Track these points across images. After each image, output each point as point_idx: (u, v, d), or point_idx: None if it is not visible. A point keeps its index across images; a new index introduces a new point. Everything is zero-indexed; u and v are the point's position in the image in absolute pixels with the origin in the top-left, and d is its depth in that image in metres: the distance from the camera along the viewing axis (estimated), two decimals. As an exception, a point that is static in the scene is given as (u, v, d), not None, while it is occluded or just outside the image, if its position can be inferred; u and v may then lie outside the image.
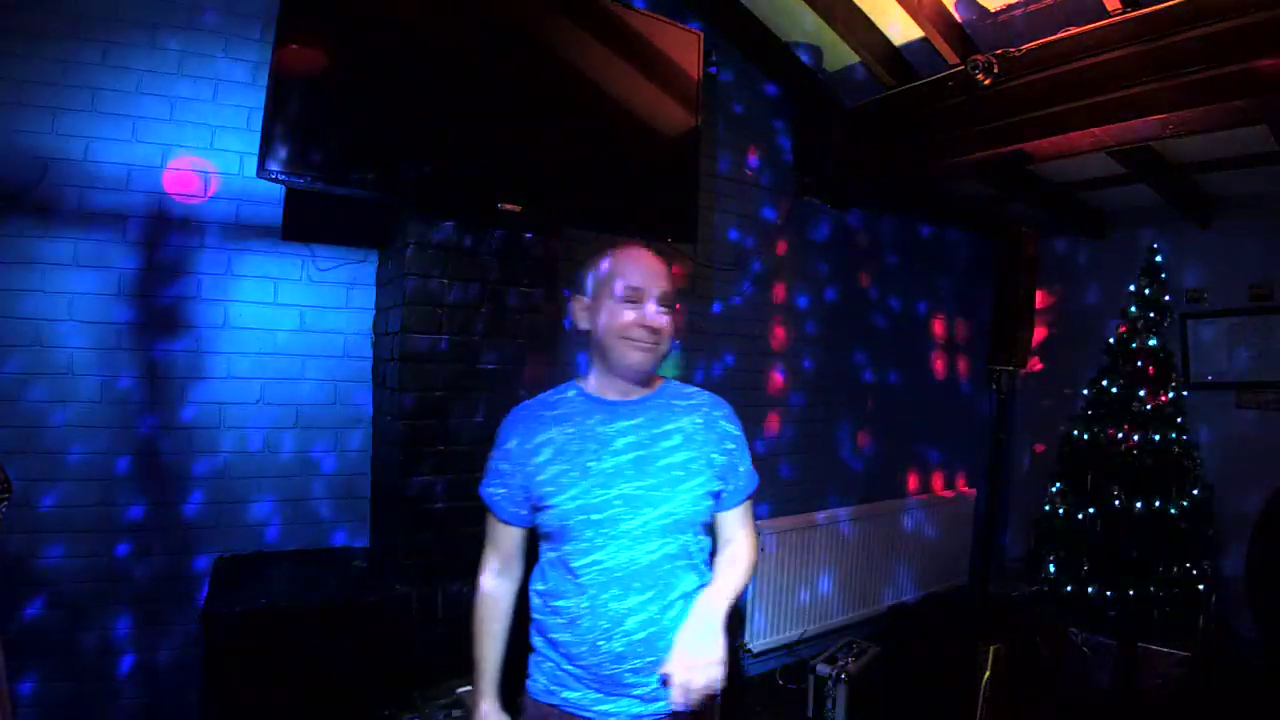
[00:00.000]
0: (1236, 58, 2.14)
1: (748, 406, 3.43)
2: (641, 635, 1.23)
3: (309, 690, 1.89)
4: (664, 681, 1.13)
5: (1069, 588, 3.53)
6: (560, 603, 1.27)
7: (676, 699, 1.09)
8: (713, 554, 1.36)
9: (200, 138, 2.22)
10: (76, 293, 2.08)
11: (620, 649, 1.23)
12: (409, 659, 2.02)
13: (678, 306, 1.33)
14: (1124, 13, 2.33)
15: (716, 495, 1.33)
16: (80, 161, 2.08)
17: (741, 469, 1.36)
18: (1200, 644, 3.31)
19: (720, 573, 1.31)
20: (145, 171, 2.15)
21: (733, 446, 1.35)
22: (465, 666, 2.14)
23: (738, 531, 1.37)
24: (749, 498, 1.38)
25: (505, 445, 1.34)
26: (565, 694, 1.28)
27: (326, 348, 2.41)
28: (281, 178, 1.93)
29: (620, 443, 1.29)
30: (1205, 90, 2.26)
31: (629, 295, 1.28)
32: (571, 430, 1.30)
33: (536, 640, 1.36)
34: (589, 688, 1.26)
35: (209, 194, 2.24)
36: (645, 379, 1.33)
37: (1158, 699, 3.23)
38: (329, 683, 1.91)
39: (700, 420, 1.34)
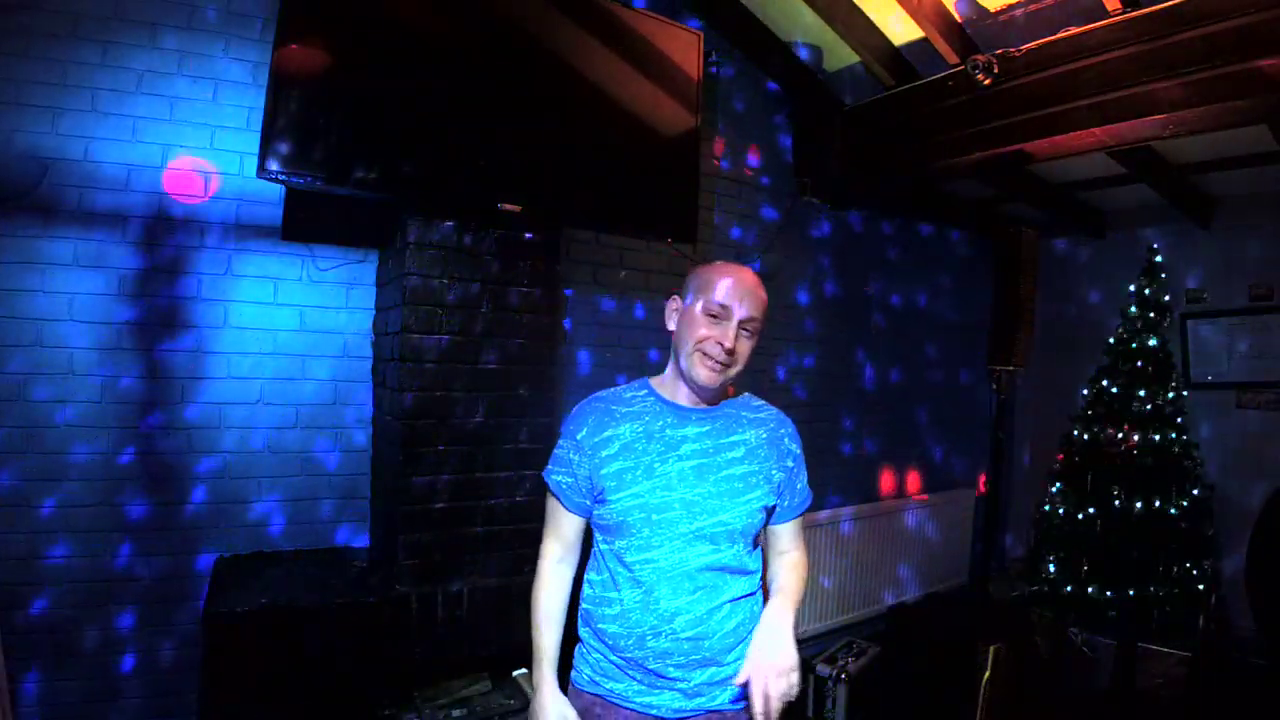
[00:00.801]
0: (1236, 58, 2.14)
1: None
2: (689, 634, 1.27)
3: (309, 690, 1.89)
4: (743, 691, 1.17)
5: (1069, 588, 3.53)
6: (613, 594, 1.32)
7: (757, 707, 1.14)
8: (763, 567, 1.41)
9: (200, 137, 2.22)
10: (77, 293, 2.08)
11: (667, 645, 1.27)
12: (409, 659, 2.02)
13: (758, 332, 1.36)
14: (1124, 13, 2.33)
15: (771, 510, 1.37)
16: (80, 161, 2.08)
17: (799, 486, 1.42)
18: (1200, 644, 3.31)
19: (782, 583, 1.37)
20: (145, 171, 2.15)
21: (792, 465, 1.41)
22: (466, 667, 2.16)
23: (790, 546, 1.42)
24: (802, 514, 1.44)
25: (575, 435, 1.37)
26: (610, 685, 1.32)
27: (326, 348, 2.41)
28: (281, 178, 1.93)
29: (686, 448, 1.32)
30: (1205, 90, 2.26)
31: (714, 311, 1.30)
32: (640, 429, 1.34)
33: (584, 631, 1.39)
34: (633, 679, 1.30)
35: (209, 194, 2.24)
36: (709, 395, 1.36)
37: (1158, 699, 3.23)
38: (329, 683, 1.91)
39: (765, 435, 1.39)
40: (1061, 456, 3.82)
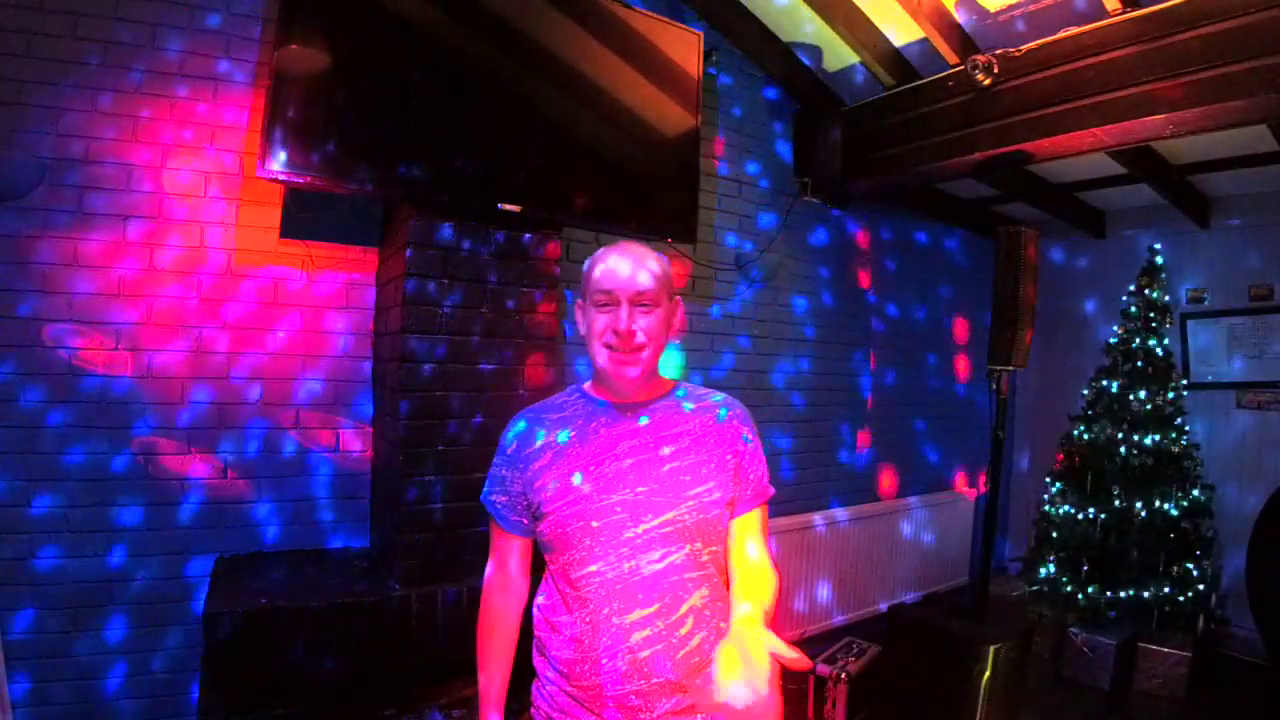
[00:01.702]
0: (1236, 58, 2.14)
1: (747, 406, 3.43)
2: (646, 653, 1.14)
3: (309, 690, 1.89)
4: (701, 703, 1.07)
5: (1069, 588, 3.53)
6: (561, 618, 1.21)
7: None
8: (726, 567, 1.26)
9: (201, 137, 2.22)
10: (77, 293, 2.08)
11: (624, 667, 1.14)
12: (409, 659, 2.02)
13: (668, 301, 1.24)
14: (1124, 13, 2.34)
15: (727, 502, 1.22)
16: (80, 161, 2.08)
17: (753, 474, 1.26)
18: (1200, 644, 3.31)
19: (747, 587, 1.14)
20: (145, 171, 2.15)
21: (744, 449, 1.25)
22: (465, 667, 2.15)
23: (750, 540, 1.23)
24: (761, 504, 1.27)
25: (506, 450, 1.28)
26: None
27: (326, 348, 2.41)
28: (282, 177, 1.94)
29: (622, 446, 1.21)
30: (1205, 90, 2.26)
31: (600, 300, 1.21)
32: (573, 434, 1.23)
33: (538, 663, 1.28)
34: (593, 712, 1.17)
35: (209, 194, 2.24)
36: (632, 387, 1.23)
37: (1158, 699, 3.23)
38: (329, 683, 1.91)
39: (710, 422, 1.25)
40: (1061, 456, 3.83)
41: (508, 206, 2.21)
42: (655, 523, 1.17)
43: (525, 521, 1.26)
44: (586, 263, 1.28)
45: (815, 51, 3.28)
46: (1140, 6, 2.30)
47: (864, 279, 4.01)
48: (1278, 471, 3.68)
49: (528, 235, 2.31)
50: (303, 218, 2.34)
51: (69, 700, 2.06)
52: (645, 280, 1.20)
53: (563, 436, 1.24)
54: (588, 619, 1.17)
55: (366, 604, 1.97)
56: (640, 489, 1.18)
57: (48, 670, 2.04)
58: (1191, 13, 2.19)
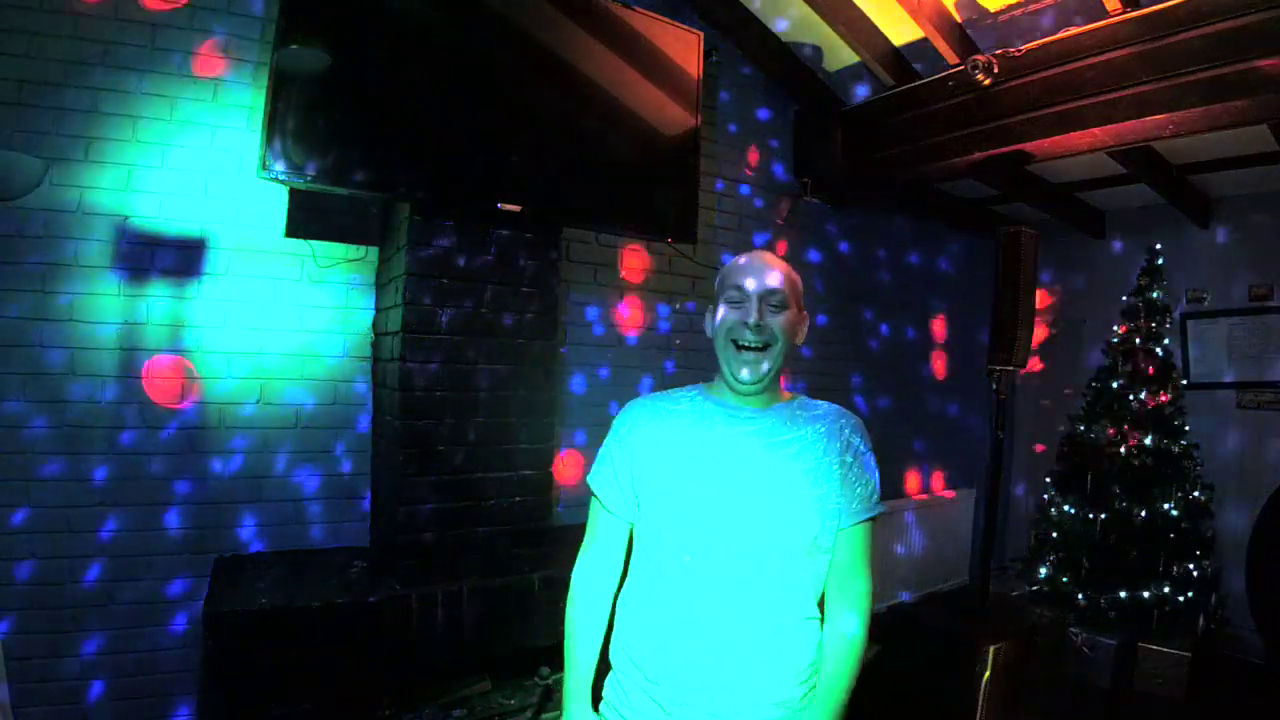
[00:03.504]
0: (1236, 58, 2.14)
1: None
2: (730, 657, 1.14)
3: (309, 690, 1.89)
4: None
5: (1069, 588, 3.53)
6: (648, 612, 1.21)
7: None
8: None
9: (201, 137, 2.22)
10: (77, 293, 2.08)
11: (707, 669, 1.14)
12: (409, 659, 2.02)
13: (798, 310, 1.26)
14: (1124, 13, 2.33)
15: (831, 512, 1.20)
16: (81, 162, 2.08)
17: (860, 486, 1.23)
18: (1200, 644, 3.31)
19: (824, 670, 1.20)
20: (145, 171, 2.15)
21: (852, 460, 1.23)
22: (466, 668, 2.16)
23: (851, 565, 1.22)
24: (867, 520, 1.24)
25: (620, 433, 1.30)
26: (640, 717, 1.20)
27: (326, 348, 2.41)
28: (282, 178, 1.94)
29: (734, 449, 1.21)
30: (1205, 90, 2.26)
31: (733, 298, 1.23)
32: (687, 430, 1.24)
33: (617, 657, 1.27)
34: (668, 712, 1.16)
35: (209, 194, 2.23)
36: (759, 388, 1.23)
37: (1158, 699, 3.23)
38: (329, 683, 1.91)
39: (823, 430, 1.24)
40: (1061, 456, 3.82)
41: (508, 206, 2.21)
42: (756, 528, 1.17)
43: (629, 505, 1.28)
44: (720, 272, 1.31)
45: (815, 51, 3.27)
46: (1140, 6, 2.30)
47: (863, 280, 4.01)
48: (1278, 471, 3.68)
49: (528, 235, 2.31)
50: (304, 217, 2.35)
51: (75, 698, 2.06)
52: (777, 280, 1.23)
53: (678, 430, 1.25)
54: (675, 615, 1.17)
55: (367, 604, 1.97)
56: (746, 493, 1.18)
57: (51, 668, 2.04)
58: (1191, 13, 2.18)
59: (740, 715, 1.14)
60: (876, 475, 1.27)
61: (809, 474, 1.20)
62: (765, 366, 1.21)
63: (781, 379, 1.30)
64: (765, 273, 1.23)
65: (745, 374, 1.21)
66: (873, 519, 1.26)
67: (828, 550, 1.21)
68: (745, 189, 3.44)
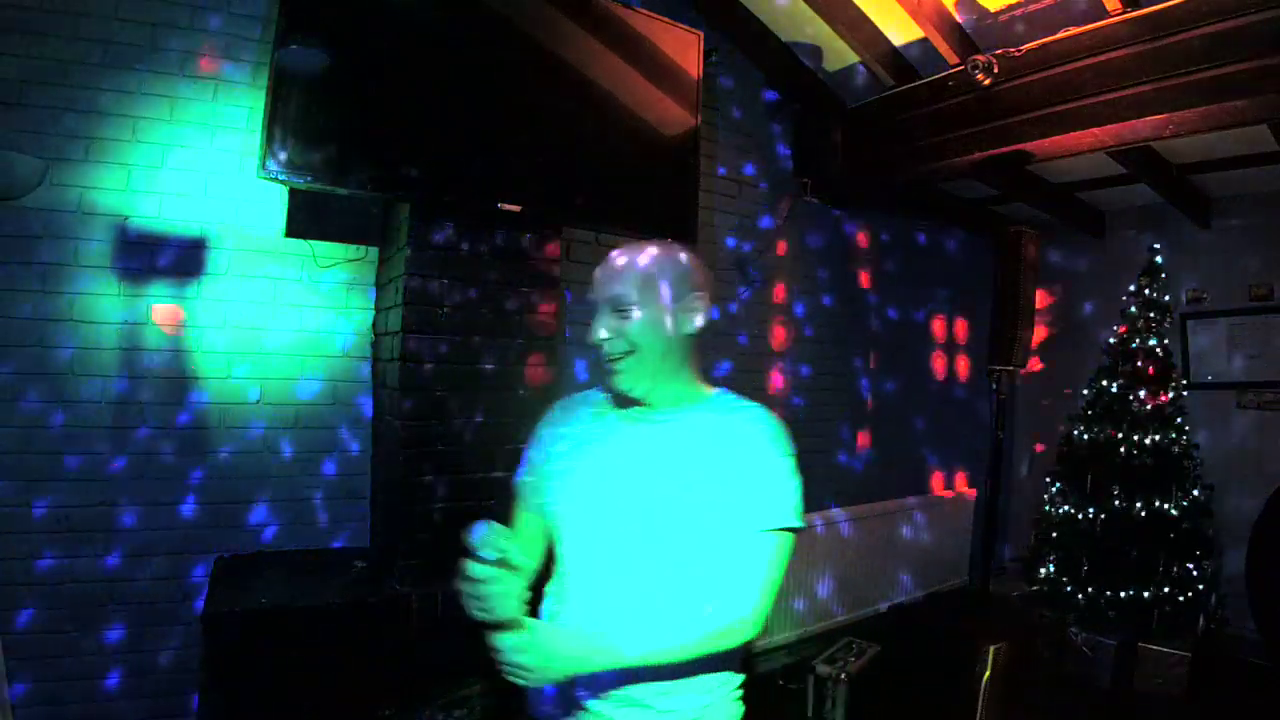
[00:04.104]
0: (1236, 58, 2.14)
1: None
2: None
3: (309, 690, 1.89)
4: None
5: (1069, 588, 3.53)
6: (551, 609, 1.21)
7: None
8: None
9: (201, 138, 2.22)
10: (76, 293, 2.08)
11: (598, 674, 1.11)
12: (409, 659, 2.02)
13: (665, 303, 1.15)
14: (1124, 13, 2.33)
15: (725, 518, 1.12)
16: (81, 162, 2.08)
17: (762, 494, 1.11)
18: (1200, 644, 3.31)
19: (666, 627, 1.08)
20: (146, 172, 2.15)
21: (757, 466, 1.13)
22: (466, 668, 2.15)
23: (743, 575, 1.10)
24: (769, 530, 1.11)
25: (538, 433, 1.30)
26: (538, 714, 1.23)
27: (326, 348, 2.41)
28: (281, 177, 1.94)
29: (632, 450, 1.17)
30: (1205, 90, 2.26)
31: (594, 310, 1.18)
32: (590, 429, 1.23)
33: None
34: (559, 709, 1.18)
35: (209, 194, 2.23)
36: (637, 395, 1.17)
37: (1158, 699, 3.23)
38: (329, 683, 1.91)
39: (730, 434, 1.15)
40: (1061, 456, 3.82)
41: (508, 206, 2.21)
42: (646, 530, 1.13)
43: (542, 504, 1.25)
44: None
45: (815, 51, 3.27)
46: (1140, 6, 2.30)
47: (864, 279, 4.01)
48: (1278, 471, 3.67)
49: (528, 235, 2.31)
50: (304, 217, 2.35)
51: (75, 698, 2.06)
52: (619, 284, 1.15)
53: (580, 432, 1.24)
54: (572, 616, 1.17)
55: (367, 604, 1.97)
56: (637, 495, 1.14)
57: (50, 668, 2.04)
58: (1191, 13, 2.18)
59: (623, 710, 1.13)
60: (789, 486, 1.14)
61: (700, 477, 1.12)
62: (628, 375, 1.15)
63: (691, 378, 1.21)
64: (609, 279, 1.16)
65: (613, 383, 1.17)
66: (779, 531, 1.12)
67: (726, 556, 1.12)
68: (744, 189, 3.44)
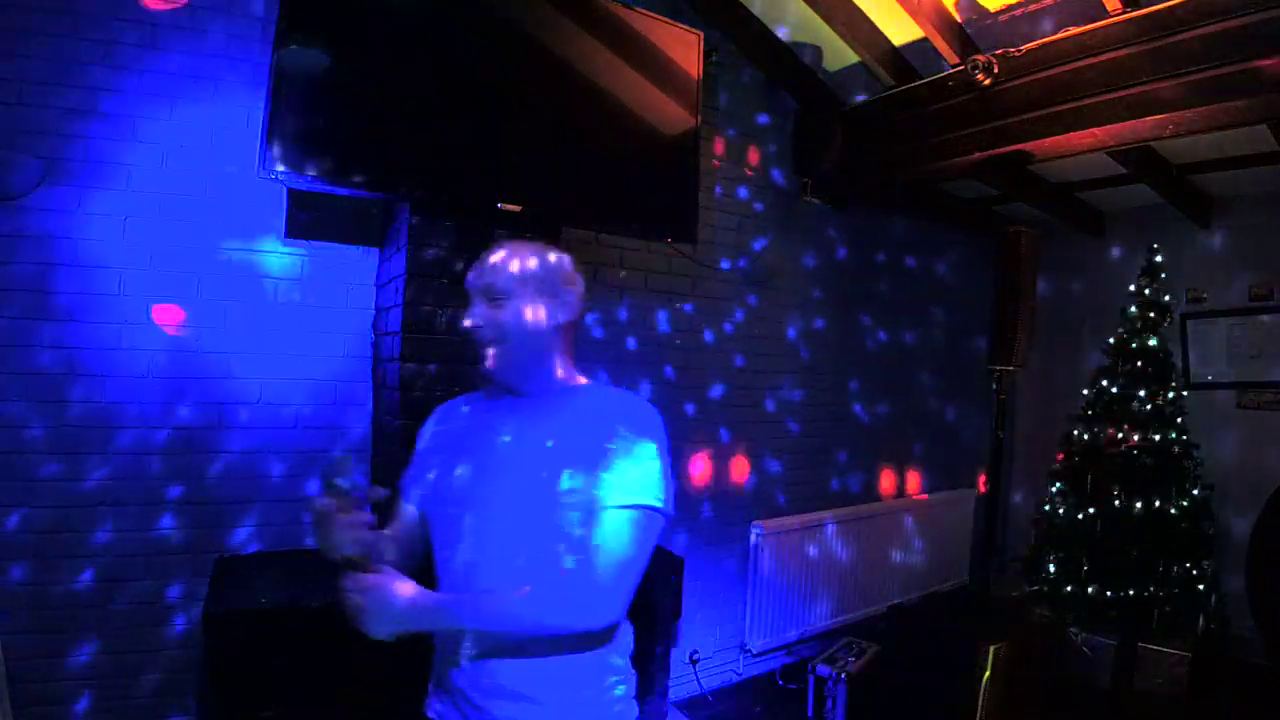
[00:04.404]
0: (1237, 58, 2.14)
1: (746, 407, 3.44)
2: (475, 652, 1.12)
3: (310, 690, 1.89)
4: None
5: (1069, 588, 3.53)
6: None
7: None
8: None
9: (201, 138, 2.22)
10: (76, 293, 2.08)
11: (463, 662, 1.13)
12: (410, 659, 2.02)
13: (539, 296, 1.20)
14: (1124, 12, 2.33)
15: (587, 500, 1.09)
16: (81, 162, 2.08)
17: (618, 473, 1.09)
18: (1200, 644, 3.31)
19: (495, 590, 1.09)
20: (146, 172, 2.15)
21: (615, 447, 1.10)
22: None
23: (592, 545, 1.07)
24: (622, 509, 1.08)
25: (420, 431, 1.35)
26: (430, 713, 1.24)
27: (326, 348, 2.41)
28: (281, 178, 1.94)
29: (497, 440, 1.19)
30: (1205, 90, 2.26)
31: (469, 297, 1.22)
32: (461, 424, 1.28)
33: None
34: (447, 705, 1.19)
35: (209, 194, 2.23)
36: (507, 381, 1.22)
37: (1158, 699, 3.23)
38: (330, 683, 1.91)
39: (592, 420, 1.14)
40: (1061, 456, 3.82)
41: (508, 206, 2.21)
42: (504, 517, 1.13)
43: (417, 500, 1.29)
44: None
45: (815, 51, 3.27)
46: (1140, 6, 2.30)
47: (864, 280, 4.01)
48: (1278, 471, 3.67)
49: (528, 235, 2.30)
50: (304, 217, 2.35)
51: (76, 698, 2.07)
52: (491, 275, 1.20)
53: (454, 425, 1.30)
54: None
55: (366, 604, 1.97)
56: (499, 483, 1.15)
57: (51, 668, 2.04)
58: (1191, 13, 2.18)
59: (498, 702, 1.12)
60: (650, 467, 1.11)
61: (562, 464, 1.11)
62: (494, 361, 1.19)
63: (561, 368, 1.25)
64: (485, 271, 1.21)
65: (483, 369, 1.21)
66: (632, 510, 1.08)
67: (581, 535, 1.10)
68: (745, 189, 3.44)
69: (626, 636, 1.23)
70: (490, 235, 2.23)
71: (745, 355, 3.43)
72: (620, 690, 1.19)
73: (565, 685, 1.12)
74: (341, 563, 1.10)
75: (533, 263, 1.22)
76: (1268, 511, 3.56)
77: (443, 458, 1.25)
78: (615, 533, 1.08)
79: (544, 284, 1.22)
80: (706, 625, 3.31)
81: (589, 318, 2.92)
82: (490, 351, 1.20)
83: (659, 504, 1.11)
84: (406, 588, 1.08)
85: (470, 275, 1.22)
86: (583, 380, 1.28)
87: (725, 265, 3.34)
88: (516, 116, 2.27)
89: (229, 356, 2.27)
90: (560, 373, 1.25)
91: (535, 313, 1.21)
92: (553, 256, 1.25)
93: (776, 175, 3.56)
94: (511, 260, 1.21)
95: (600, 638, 1.14)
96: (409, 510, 1.30)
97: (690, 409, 3.23)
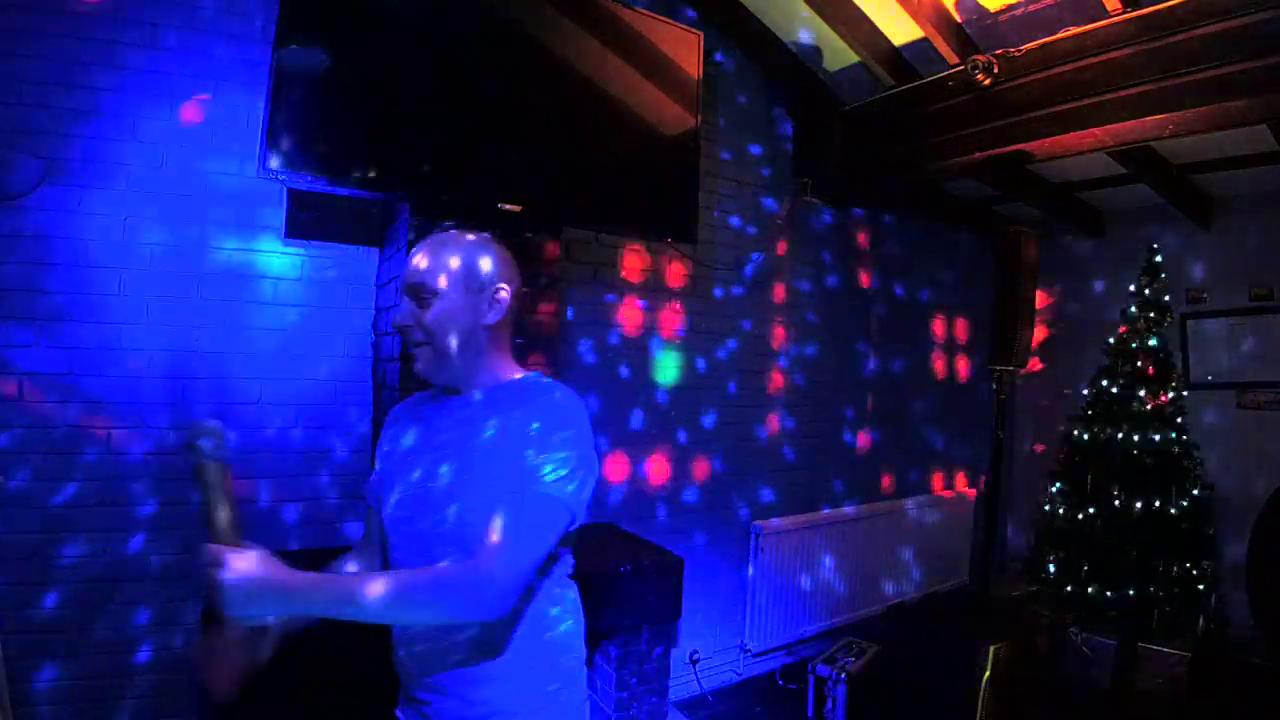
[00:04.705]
0: (1236, 58, 2.14)
1: (746, 407, 3.44)
2: (420, 648, 1.13)
3: (311, 691, 1.89)
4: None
5: (1069, 588, 3.53)
6: None
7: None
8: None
9: (201, 138, 2.22)
10: (76, 293, 2.08)
11: (409, 660, 1.15)
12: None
13: (470, 292, 1.16)
14: (1124, 12, 2.34)
15: (499, 489, 1.07)
16: (81, 162, 2.08)
17: (528, 460, 1.06)
18: (1200, 644, 3.31)
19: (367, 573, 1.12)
20: (146, 172, 2.15)
21: (532, 434, 1.08)
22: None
23: (491, 524, 1.02)
24: (522, 495, 1.05)
25: (379, 435, 1.35)
26: (398, 709, 1.26)
27: (326, 348, 2.41)
28: (282, 177, 1.94)
29: (439, 439, 1.18)
30: (1205, 90, 2.26)
31: (400, 295, 1.20)
32: (412, 425, 1.26)
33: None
34: (407, 701, 1.21)
35: (209, 194, 2.23)
36: (440, 381, 1.20)
37: (1158, 699, 3.23)
38: (331, 682, 1.91)
39: (515, 414, 1.11)
40: (1062, 456, 3.83)
41: (508, 206, 2.21)
42: (442, 517, 1.12)
43: (375, 502, 1.28)
44: None
45: (815, 51, 3.28)
46: (1140, 6, 2.30)
47: (864, 279, 4.01)
48: (1278, 471, 3.68)
49: (527, 235, 2.31)
50: (304, 217, 2.35)
51: (77, 698, 2.06)
52: (418, 274, 1.15)
53: (406, 426, 1.27)
54: None
55: (366, 604, 1.96)
56: (438, 483, 1.14)
57: (50, 668, 2.04)
58: (1191, 13, 2.19)
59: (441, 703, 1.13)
60: (559, 457, 1.06)
61: (494, 461, 1.09)
62: (423, 363, 1.17)
63: (498, 365, 1.22)
64: (411, 266, 1.17)
65: (414, 370, 1.18)
66: (529, 498, 1.04)
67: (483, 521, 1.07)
68: (744, 189, 3.44)
69: (563, 617, 1.19)
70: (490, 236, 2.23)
71: (739, 349, 3.43)
72: (570, 699, 1.18)
73: (506, 687, 1.11)
74: (209, 533, 1.03)
75: (457, 261, 1.17)
76: (1268, 511, 3.56)
77: (394, 457, 1.24)
78: (509, 522, 1.03)
79: (472, 282, 1.18)
80: (706, 625, 3.31)
81: (589, 315, 2.92)
82: (416, 353, 1.17)
83: (558, 494, 1.06)
84: (270, 565, 1.02)
85: (404, 276, 1.18)
86: (518, 374, 1.24)
87: (724, 264, 3.34)
88: (517, 116, 2.27)
89: (229, 356, 2.27)
90: (498, 369, 1.22)
91: (463, 313, 1.16)
92: (483, 254, 1.20)
93: (776, 175, 3.56)
94: (437, 258, 1.16)
95: (554, 642, 1.15)
96: (370, 512, 1.31)
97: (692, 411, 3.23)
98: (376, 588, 1.01)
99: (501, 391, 1.19)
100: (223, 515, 1.04)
